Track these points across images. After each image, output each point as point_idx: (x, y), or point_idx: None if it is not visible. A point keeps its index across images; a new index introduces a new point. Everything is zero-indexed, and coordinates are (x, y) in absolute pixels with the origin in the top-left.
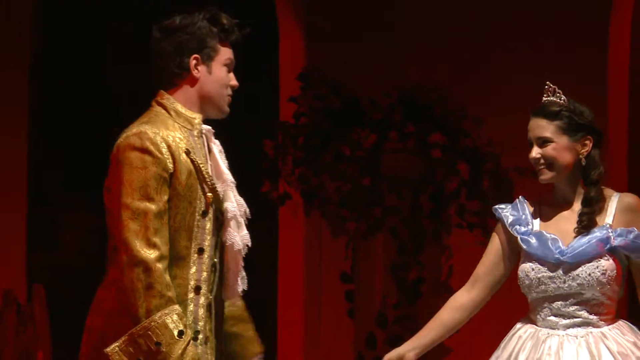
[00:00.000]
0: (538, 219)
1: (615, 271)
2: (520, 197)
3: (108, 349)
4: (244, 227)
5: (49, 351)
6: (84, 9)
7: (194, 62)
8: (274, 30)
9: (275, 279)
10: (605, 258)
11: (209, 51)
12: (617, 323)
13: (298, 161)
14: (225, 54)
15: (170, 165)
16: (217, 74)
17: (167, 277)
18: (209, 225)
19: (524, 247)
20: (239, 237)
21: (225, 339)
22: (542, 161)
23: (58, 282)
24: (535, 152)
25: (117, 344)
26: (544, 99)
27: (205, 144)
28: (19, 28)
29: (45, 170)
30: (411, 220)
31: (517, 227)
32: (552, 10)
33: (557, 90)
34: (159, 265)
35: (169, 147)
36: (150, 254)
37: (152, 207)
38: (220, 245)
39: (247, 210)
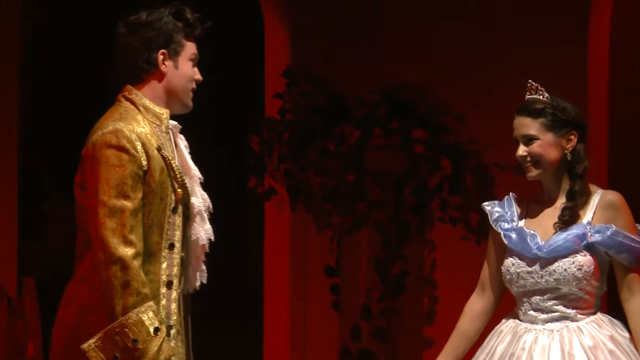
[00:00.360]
0: (524, 215)
1: (592, 267)
2: (510, 194)
3: (84, 346)
4: (207, 222)
5: (39, 344)
6: (76, 8)
7: (161, 57)
8: (259, 28)
9: (261, 272)
10: (582, 254)
11: (176, 46)
12: (595, 316)
13: (283, 157)
14: (191, 48)
15: (145, 163)
16: (184, 68)
17: (143, 274)
18: (178, 220)
19: (506, 242)
20: (203, 231)
21: None
22: (528, 159)
23: (48, 276)
24: (522, 150)
25: (93, 340)
26: (527, 96)
27: (172, 139)
28: (8, 27)
29: (36, 165)
30: (395, 215)
31: (501, 223)
32: (532, 9)
33: (539, 88)
34: (135, 263)
35: (143, 144)
36: (127, 252)
37: (129, 204)
38: (186, 239)
39: (210, 205)
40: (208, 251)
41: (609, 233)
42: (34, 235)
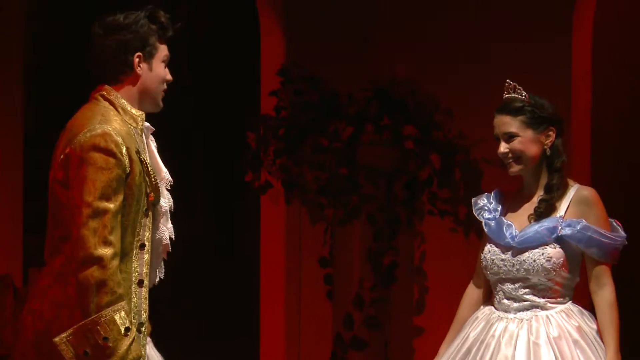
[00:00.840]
0: (507, 208)
1: (561, 259)
2: (497, 189)
3: (56, 339)
4: (169, 221)
5: None
6: (81, 8)
7: (137, 60)
8: (255, 28)
9: (257, 263)
10: (552, 246)
11: (151, 49)
12: (565, 306)
13: (279, 152)
14: (163, 50)
15: (128, 167)
16: (157, 70)
17: (119, 275)
18: (148, 221)
19: (485, 229)
20: (167, 230)
21: None
22: (510, 155)
23: None
24: (503, 147)
25: (65, 334)
26: (505, 95)
27: (145, 141)
28: (12, 27)
29: (40, 161)
30: (386, 208)
31: (483, 212)
32: (518, 10)
33: (517, 87)
34: (114, 263)
35: (127, 148)
36: (106, 252)
37: (111, 206)
38: (152, 238)
39: (172, 205)
40: (170, 250)
41: (578, 227)
42: (38, 228)
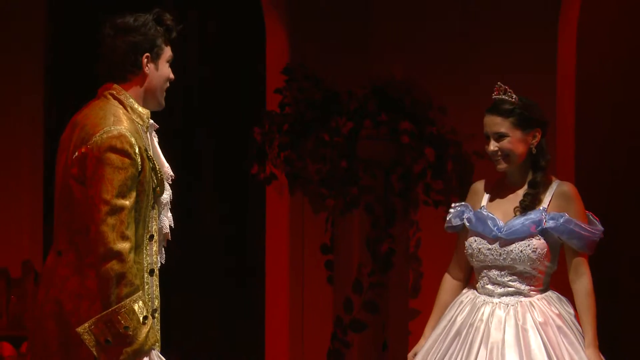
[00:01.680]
0: (488, 196)
1: (545, 249)
2: (475, 183)
3: (79, 329)
4: (169, 211)
5: None
6: (99, 8)
7: (145, 60)
8: (261, 29)
9: (263, 250)
10: (537, 238)
11: (158, 50)
12: (546, 294)
13: (283, 146)
14: (168, 51)
15: (140, 166)
16: (163, 70)
17: (135, 266)
18: (155, 213)
19: (467, 225)
20: (166, 219)
21: None
22: (499, 153)
23: None
24: (493, 145)
25: (88, 324)
26: (495, 96)
27: (151, 138)
28: (33, 28)
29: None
30: (383, 198)
31: (464, 214)
32: (506, 14)
33: (507, 89)
34: (131, 256)
35: (139, 147)
36: (124, 246)
37: (127, 203)
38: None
39: (171, 195)
40: (169, 238)
41: (562, 220)
42: None
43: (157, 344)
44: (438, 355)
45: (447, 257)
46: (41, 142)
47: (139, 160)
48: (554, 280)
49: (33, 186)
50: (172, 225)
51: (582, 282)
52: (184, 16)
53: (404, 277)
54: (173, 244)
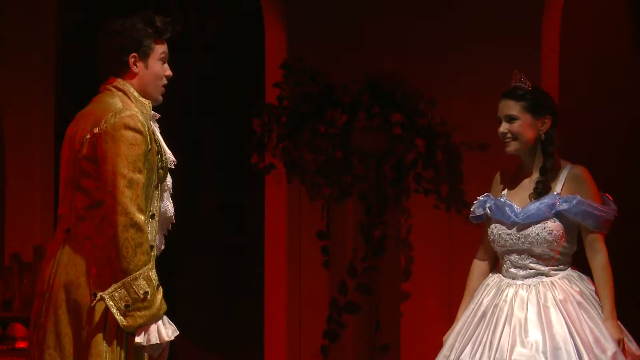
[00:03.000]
0: (507, 184)
1: (561, 231)
2: (497, 174)
3: (103, 294)
4: (170, 197)
5: None
6: (111, 7)
7: (132, 60)
8: (260, 26)
9: (262, 236)
10: (552, 220)
11: (145, 49)
12: (567, 272)
13: (281, 137)
14: (159, 49)
15: (150, 144)
16: (153, 68)
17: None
18: (158, 195)
19: (489, 213)
20: (170, 205)
21: None
22: (509, 135)
23: None
24: (504, 127)
25: (110, 290)
26: (512, 84)
27: (152, 125)
28: (44, 27)
29: None
30: (376, 187)
31: (486, 203)
32: (492, 13)
33: (522, 77)
34: (147, 227)
35: (148, 128)
36: (142, 217)
37: (142, 178)
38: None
39: (171, 182)
40: (174, 221)
41: (574, 202)
42: None
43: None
44: (466, 336)
45: (436, 242)
46: (52, 131)
47: (149, 139)
48: (576, 260)
49: (44, 175)
50: (173, 212)
51: (598, 259)
52: (186, 14)
53: (395, 261)
54: (177, 229)
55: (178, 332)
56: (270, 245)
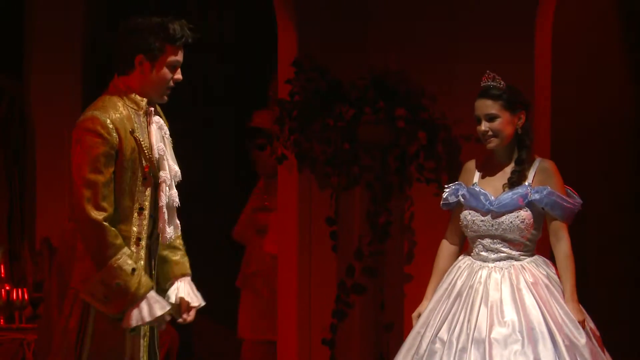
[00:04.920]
0: (479, 174)
1: (531, 220)
2: (467, 163)
3: (82, 294)
4: (174, 188)
5: None
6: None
7: (139, 60)
8: (273, 26)
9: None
10: (524, 210)
11: (155, 53)
12: (534, 257)
13: (293, 130)
14: (171, 56)
15: (116, 144)
16: (159, 72)
17: (114, 230)
18: (148, 189)
19: (462, 201)
20: (164, 196)
21: (157, 261)
22: (490, 133)
23: None
24: (485, 126)
25: (88, 286)
26: (484, 83)
27: (148, 121)
28: (70, 27)
29: None
30: (381, 176)
31: (458, 191)
32: (489, 12)
33: (496, 76)
34: (106, 223)
35: (116, 129)
36: (99, 215)
37: (101, 178)
38: (156, 203)
39: (179, 174)
40: (179, 206)
41: (545, 193)
42: None
43: (152, 289)
44: (441, 315)
45: (437, 227)
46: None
47: (116, 139)
48: (540, 245)
49: (60, 165)
50: (177, 201)
51: (562, 246)
52: (204, 17)
53: (399, 246)
54: (195, 215)
55: (168, 307)
56: (283, 231)
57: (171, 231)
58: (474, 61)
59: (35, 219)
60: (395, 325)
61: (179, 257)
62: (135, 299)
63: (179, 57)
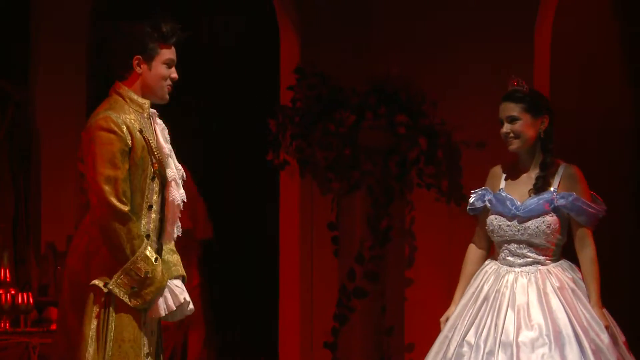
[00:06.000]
0: (505, 178)
1: (557, 225)
2: (493, 168)
3: (109, 285)
4: (181, 187)
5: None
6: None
7: (136, 62)
8: (276, 34)
9: (277, 227)
10: (550, 215)
11: (150, 52)
12: (560, 262)
13: (295, 135)
14: (165, 54)
15: (129, 142)
16: (157, 70)
17: (137, 223)
18: (156, 187)
19: (489, 206)
20: (178, 194)
21: None
22: (511, 134)
23: None
24: (506, 127)
25: (115, 278)
26: (510, 87)
27: (152, 123)
28: (76, 29)
29: None
30: (382, 181)
31: (485, 196)
32: (488, 23)
33: (520, 80)
34: (131, 215)
35: (127, 127)
36: (124, 207)
37: (119, 174)
38: (163, 201)
39: (184, 174)
40: (182, 208)
41: (571, 199)
42: None
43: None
44: (469, 319)
45: (437, 232)
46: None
47: (128, 137)
48: (566, 251)
49: (77, 170)
50: (185, 199)
51: (587, 252)
52: (211, 24)
53: (400, 250)
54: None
55: (188, 297)
56: (285, 236)
57: (176, 230)
58: (473, 68)
59: (41, 224)
60: (396, 329)
61: (176, 259)
62: (162, 287)
63: (173, 55)
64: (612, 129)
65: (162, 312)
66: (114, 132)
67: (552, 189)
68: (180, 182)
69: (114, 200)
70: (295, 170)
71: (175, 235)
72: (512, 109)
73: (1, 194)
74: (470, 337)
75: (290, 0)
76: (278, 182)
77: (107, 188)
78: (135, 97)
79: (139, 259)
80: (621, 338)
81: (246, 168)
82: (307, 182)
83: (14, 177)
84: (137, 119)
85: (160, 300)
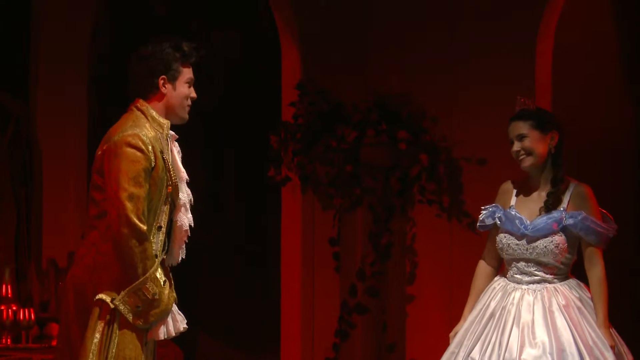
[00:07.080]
0: (515, 197)
1: (565, 244)
2: (504, 184)
3: (115, 301)
4: (189, 212)
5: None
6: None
7: (161, 82)
8: (277, 51)
9: (278, 243)
10: (559, 235)
11: (174, 72)
12: (567, 280)
13: (296, 152)
14: (187, 73)
15: (153, 161)
16: (180, 90)
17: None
18: (167, 209)
19: (499, 223)
20: (186, 219)
21: None
22: (522, 152)
23: None
24: (517, 146)
25: (121, 295)
26: (518, 108)
27: (170, 145)
28: (78, 38)
29: None
30: (384, 198)
31: (495, 214)
32: (490, 37)
33: (526, 100)
34: (148, 235)
35: (152, 147)
36: (143, 227)
37: (142, 192)
38: (170, 224)
39: (192, 199)
40: (190, 234)
41: (580, 218)
42: None
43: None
44: (475, 335)
45: (439, 248)
46: (85, 147)
47: (152, 157)
48: (574, 269)
49: (78, 187)
50: (192, 224)
51: (596, 271)
52: (210, 41)
53: (401, 267)
54: (204, 237)
55: (186, 327)
56: (287, 252)
57: (181, 254)
58: (474, 85)
59: (42, 240)
60: (397, 346)
61: (171, 285)
62: (165, 312)
63: (192, 74)
64: (614, 138)
65: (162, 336)
66: (141, 151)
67: (561, 207)
68: (189, 206)
69: (134, 219)
70: (297, 186)
71: (179, 258)
72: (520, 127)
73: (2, 210)
74: (475, 354)
75: (292, 17)
76: (279, 198)
77: (129, 205)
78: (157, 116)
79: (149, 279)
80: (628, 358)
81: (248, 184)
82: (309, 198)
83: (15, 192)
84: (158, 138)
85: (162, 325)
